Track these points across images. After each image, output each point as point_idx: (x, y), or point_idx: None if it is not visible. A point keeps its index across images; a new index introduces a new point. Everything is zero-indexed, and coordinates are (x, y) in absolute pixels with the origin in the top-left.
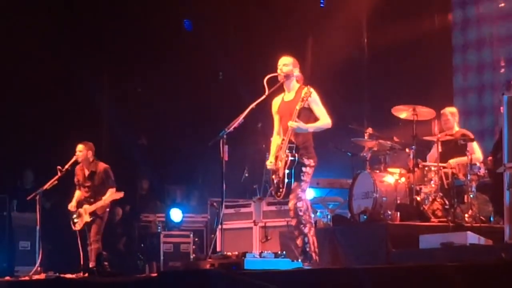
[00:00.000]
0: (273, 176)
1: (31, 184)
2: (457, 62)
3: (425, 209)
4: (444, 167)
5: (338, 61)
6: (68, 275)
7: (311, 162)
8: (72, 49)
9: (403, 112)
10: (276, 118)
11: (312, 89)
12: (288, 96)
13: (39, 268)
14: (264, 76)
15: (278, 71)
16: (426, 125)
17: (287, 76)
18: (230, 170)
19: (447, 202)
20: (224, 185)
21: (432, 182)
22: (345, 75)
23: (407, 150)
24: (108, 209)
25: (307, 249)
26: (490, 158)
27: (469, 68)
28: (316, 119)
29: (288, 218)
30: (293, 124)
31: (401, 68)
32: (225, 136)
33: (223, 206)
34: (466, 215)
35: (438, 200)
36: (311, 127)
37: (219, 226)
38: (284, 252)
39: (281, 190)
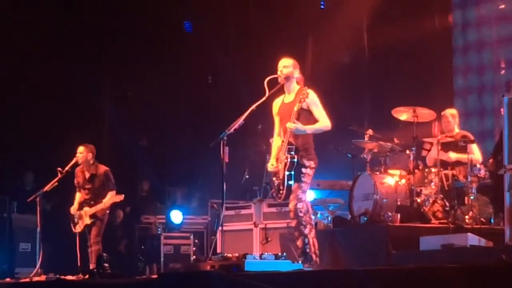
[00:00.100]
0: (274, 178)
1: (31, 185)
2: (457, 63)
3: (426, 211)
4: (445, 168)
5: (338, 62)
6: (69, 277)
7: (311, 163)
8: (72, 50)
9: (403, 114)
10: (276, 120)
11: (309, 90)
12: (288, 97)
13: (39, 270)
14: (265, 77)
15: (278, 72)
16: (427, 127)
17: (287, 78)
18: (231, 172)
19: (447, 204)
20: (225, 187)
21: (432, 183)
22: (345, 76)
23: (407, 151)
24: (108, 211)
25: (307, 250)
26: (491, 160)
27: (469, 69)
28: (315, 121)
29: (288, 219)
30: (291, 125)
31: (402, 69)
32: (225, 138)
33: (224, 207)
34: (467, 216)
35: (439, 201)
36: (310, 128)
37: (220, 228)
38: (284, 253)
39: (281, 191)
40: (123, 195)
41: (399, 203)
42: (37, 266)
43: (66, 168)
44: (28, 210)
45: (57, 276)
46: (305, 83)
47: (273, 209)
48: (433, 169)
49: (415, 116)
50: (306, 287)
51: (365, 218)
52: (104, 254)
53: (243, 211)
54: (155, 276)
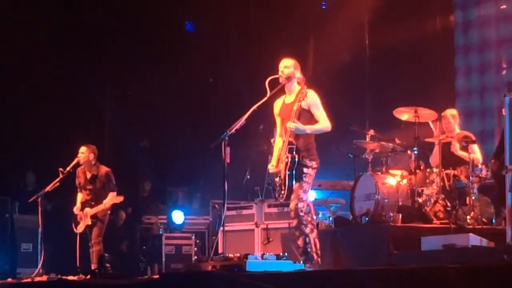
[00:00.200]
0: (276, 179)
1: (33, 186)
2: (459, 63)
3: (427, 211)
4: (446, 168)
5: (340, 63)
6: (70, 277)
7: (313, 163)
8: (73, 50)
9: (404, 114)
10: (278, 121)
11: (309, 90)
12: (289, 98)
13: (41, 270)
14: (266, 77)
15: (279, 73)
16: (428, 127)
17: (288, 78)
18: (232, 172)
19: (449, 204)
20: (226, 187)
21: (434, 184)
22: (346, 76)
23: (408, 152)
24: (109, 212)
25: (308, 250)
26: (493, 160)
27: (470, 70)
28: (316, 121)
29: (289, 220)
30: (291, 125)
31: (403, 69)
32: (227, 138)
33: (225, 208)
34: (468, 217)
35: (440, 202)
36: (309, 128)
37: (221, 228)
38: (286, 254)
39: (282, 192)
40: (123, 197)
41: (400, 203)
42: (39, 266)
43: (68, 169)
44: (29, 211)
45: (59, 276)
46: (306, 84)
47: (275, 209)
48: (434, 169)
49: (417, 116)
50: (307, 287)
51: (367, 218)
52: (106, 254)
53: (245, 211)
54: (157, 276)
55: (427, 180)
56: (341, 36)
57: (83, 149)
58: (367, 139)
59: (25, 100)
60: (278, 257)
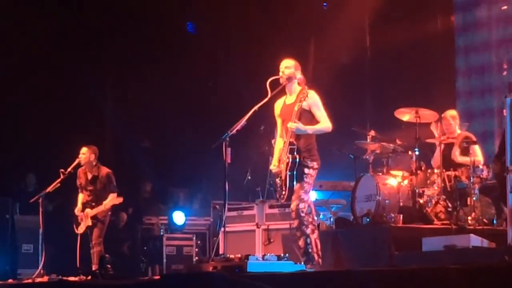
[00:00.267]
0: (277, 179)
1: (33, 186)
2: (459, 64)
3: (428, 212)
4: (447, 169)
5: (341, 63)
6: (71, 278)
7: (314, 164)
8: (74, 51)
9: (405, 115)
10: (278, 121)
11: (310, 91)
12: (290, 99)
13: (41, 271)
14: (267, 78)
15: (280, 73)
16: (429, 128)
17: (289, 79)
18: (233, 173)
19: (450, 205)
20: (227, 188)
21: (435, 184)
22: (347, 77)
23: (409, 152)
24: (110, 213)
25: (309, 250)
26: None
27: (471, 71)
28: (317, 122)
29: (291, 220)
30: (292, 125)
31: (404, 70)
32: (228, 139)
33: (226, 208)
34: (469, 217)
35: (441, 202)
36: (310, 129)
37: (222, 229)
38: (287, 254)
39: (283, 192)
40: (122, 198)
41: (401, 204)
42: (40, 267)
43: (69, 169)
44: (30, 211)
45: (60, 277)
46: (307, 84)
47: (276, 210)
48: (435, 170)
49: (418, 117)
50: None
51: (368, 219)
52: (106, 255)
53: (246, 212)
54: (158, 277)
55: (428, 181)
56: (342, 36)
57: (84, 150)
58: (368, 140)
59: (26, 100)
60: (279, 258)
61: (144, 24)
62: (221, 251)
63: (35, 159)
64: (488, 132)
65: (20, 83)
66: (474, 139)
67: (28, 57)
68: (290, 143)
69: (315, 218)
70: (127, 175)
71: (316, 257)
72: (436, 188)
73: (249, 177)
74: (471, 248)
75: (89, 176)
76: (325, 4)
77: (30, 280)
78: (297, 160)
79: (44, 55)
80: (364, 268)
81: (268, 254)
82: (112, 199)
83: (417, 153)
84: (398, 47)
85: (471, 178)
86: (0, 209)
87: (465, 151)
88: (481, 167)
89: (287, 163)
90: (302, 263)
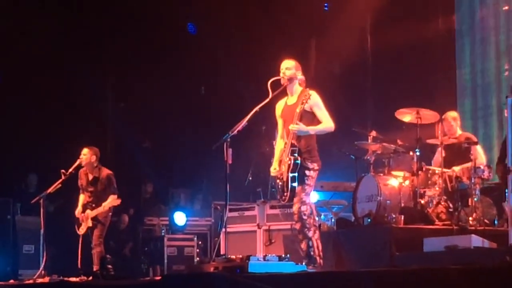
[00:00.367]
0: (278, 180)
1: (35, 187)
2: (460, 64)
3: (429, 212)
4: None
5: (342, 64)
6: (72, 279)
7: (315, 165)
8: (74, 51)
9: (406, 115)
10: (279, 122)
11: (312, 92)
12: (291, 99)
13: (43, 272)
14: (268, 78)
15: (281, 74)
16: (430, 128)
17: (290, 80)
18: (234, 174)
19: (451, 205)
20: (228, 188)
21: (436, 185)
22: (348, 77)
23: (411, 153)
24: (110, 214)
25: (312, 253)
26: (498, 165)
27: (473, 71)
28: (319, 122)
29: (292, 221)
30: (294, 127)
31: (405, 70)
32: (229, 139)
33: (227, 209)
34: (470, 218)
35: (442, 203)
36: (312, 129)
37: (223, 230)
38: (288, 255)
39: (285, 194)
40: (120, 200)
41: (402, 204)
42: (41, 268)
43: (70, 170)
44: (31, 212)
45: (61, 278)
46: (308, 85)
47: (277, 211)
48: (436, 171)
49: (419, 117)
50: None
51: (369, 220)
52: (107, 256)
53: (247, 213)
54: (159, 277)
55: (429, 182)
56: (343, 37)
57: (85, 151)
58: (369, 141)
59: (26, 100)
60: (280, 259)
61: (144, 24)
62: (222, 252)
63: (36, 160)
64: (489, 132)
65: (20, 83)
66: (475, 139)
67: (28, 57)
68: (292, 145)
69: (316, 218)
70: (128, 176)
71: (318, 259)
72: (437, 188)
73: (250, 178)
74: (472, 249)
75: (90, 177)
76: (326, 5)
77: (31, 281)
78: (299, 161)
79: (44, 55)
80: (365, 269)
81: (269, 255)
82: (112, 201)
83: (418, 153)
84: (399, 48)
85: (472, 178)
86: (1, 210)
87: (466, 152)
88: (482, 167)
89: (289, 165)
90: (304, 264)
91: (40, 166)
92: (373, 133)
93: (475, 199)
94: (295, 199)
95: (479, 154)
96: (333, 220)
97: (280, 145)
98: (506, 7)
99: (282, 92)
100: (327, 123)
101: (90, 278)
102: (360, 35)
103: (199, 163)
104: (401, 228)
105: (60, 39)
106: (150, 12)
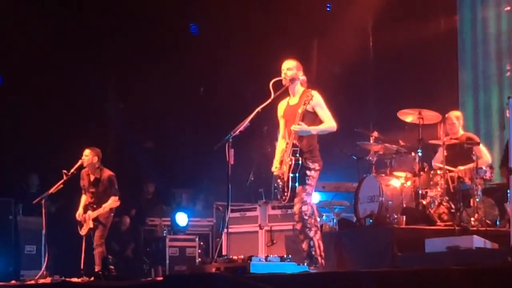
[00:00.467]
0: (278, 180)
1: (36, 188)
2: (462, 65)
3: (431, 213)
4: (450, 171)
5: (344, 64)
6: (74, 279)
7: (316, 165)
8: (74, 51)
9: (409, 116)
10: (281, 122)
11: (314, 92)
12: (293, 100)
13: (44, 272)
14: (270, 79)
15: (283, 75)
16: (432, 129)
17: (292, 80)
18: (236, 174)
19: (453, 206)
20: (230, 189)
21: (438, 186)
22: (350, 78)
23: (412, 153)
24: (112, 214)
25: (313, 253)
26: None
27: (475, 71)
28: (321, 122)
29: (293, 222)
30: (296, 127)
31: (407, 71)
32: (231, 140)
33: (229, 210)
34: (472, 218)
35: (444, 204)
36: (314, 129)
37: (225, 230)
38: (290, 255)
39: (286, 194)
40: (119, 202)
41: (404, 205)
42: (43, 268)
43: (72, 170)
44: (33, 212)
45: (63, 278)
46: (309, 85)
47: (278, 211)
48: (438, 171)
49: (421, 118)
50: None
51: (371, 220)
52: (109, 257)
53: (248, 213)
54: (160, 278)
55: (431, 182)
56: (345, 37)
57: (87, 151)
58: (371, 141)
59: (27, 101)
60: (282, 259)
61: (144, 24)
62: (224, 252)
63: (37, 160)
64: (491, 133)
65: (20, 83)
66: (478, 140)
67: (28, 57)
68: (293, 145)
69: (318, 219)
70: (129, 176)
71: (319, 259)
72: (439, 189)
73: (252, 178)
74: (474, 249)
75: (92, 178)
76: (328, 5)
77: (33, 282)
78: (300, 162)
79: (44, 55)
80: (367, 270)
81: (271, 255)
82: (112, 202)
83: (420, 154)
84: (400, 48)
85: (474, 179)
86: (3, 210)
87: (468, 152)
88: (484, 168)
89: (290, 165)
90: (305, 264)
91: (41, 166)
92: (375, 134)
93: (477, 199)
94: (296, 199)
95: (483, 153)
96: (335, 220)
97: (281, 145)
98: (508, 8)
99: (284, 93)
100: (329, 123)
101: (92, 278)
102: (362, 35)
103: (200, 164)
104: (403, 229)
105: (60, 39)
106: (150, 12)
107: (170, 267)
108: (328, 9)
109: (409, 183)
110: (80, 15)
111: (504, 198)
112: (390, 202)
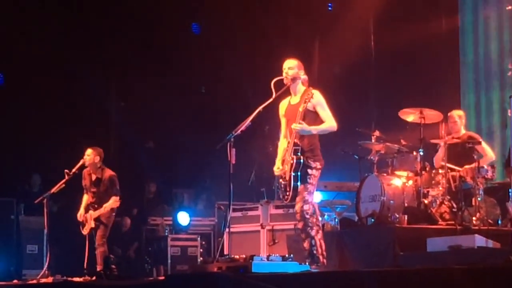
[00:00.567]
0: (280, 180)
1: (38, 187)
2: (464, 64)
3: (433, 212)
4: (452, 170)
5: (345, 64)
6: (76, 279)
7: (317, 165)
8: (74, 51)
9: (410, 115)
10: (283, 122)
11: (315, 91)
12: (294, 99)
13: (46, 272)
14: (271, 78)
15: (284, 74)
16: (434, 128)
17: (293, 79)
18: (237, 173)
19: (454, 205)
20: (232, 188)
21: (439, 185)
22: (352, 77)
23: (414, 153)
24: (114, 214)
25: (314, 252)
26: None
27: (476, 71)
28: (322, 122)
29: (295, 221)
30: (296, 126)
31: (408, 70)
32: (232, 139)
33: (231, 209)
34: (474, 218)
35: (446, 203)
36: (315, 129)
37: (227, 229)
38: (291, 255)
39: (287, 193)
40: (119, 202)
41: (406, 204)
42: (44, 268)
43: (73, 170)
44: (35, 212)
45: (64, 277)
46: (311, 84)
47: (280, 211)
48: (440, 171)
49: (422, 117)
50: None
51: (372, 220)
52: (111, 256)
53: (250, 213)
54: (162, 277)
55: (433, 181)
56: (347, 37)
57: (89, 151)
58: (373, 140)
59: (28, 101)
60: (283, 259)
61: (145, 24)
62: (225, 252)
63: (39, 160)
64: (492, 132)
65: (21, 83)
66: (479, 139)
67: (28, 57)
68: (295, 144)
69: (319, 218)
70: (131, 176)
71: (321, 258)
72: (441, 188)
73: (254, 178)
74: (476, 249)
75: (93, 177)
76: (330, 4)
77: (34, 281)
78: (302, 161)
79: (44, 55)
80: (368, 269)
81: (273, 255)
82: (112, 202)
83: (421, 153)
84: (402, 48)
85: (476, 178)
86: (5, 210)
87: (470, 151)
88: (485, 167)
89: (291, 164)
90: (307, 263)
91: (43, 166)
92: (377, 133)
93: (479, 199)
94: (298, 198)
95: (487, 150)
96: (336, 220)
97: (283, 144)
98: (510, 7)
99: (286, 92)
100: (330, 122)
101: (94, 278)
102: (363, 35)
103: (202, 163)
104: (404, 228)
105: (60, 39)
106: (150, 12)
107: (172, 266)
108: (329, 8)
109: (410, 182)
110: (80, 15)
111: (506, 197)
112: (391, 202)
